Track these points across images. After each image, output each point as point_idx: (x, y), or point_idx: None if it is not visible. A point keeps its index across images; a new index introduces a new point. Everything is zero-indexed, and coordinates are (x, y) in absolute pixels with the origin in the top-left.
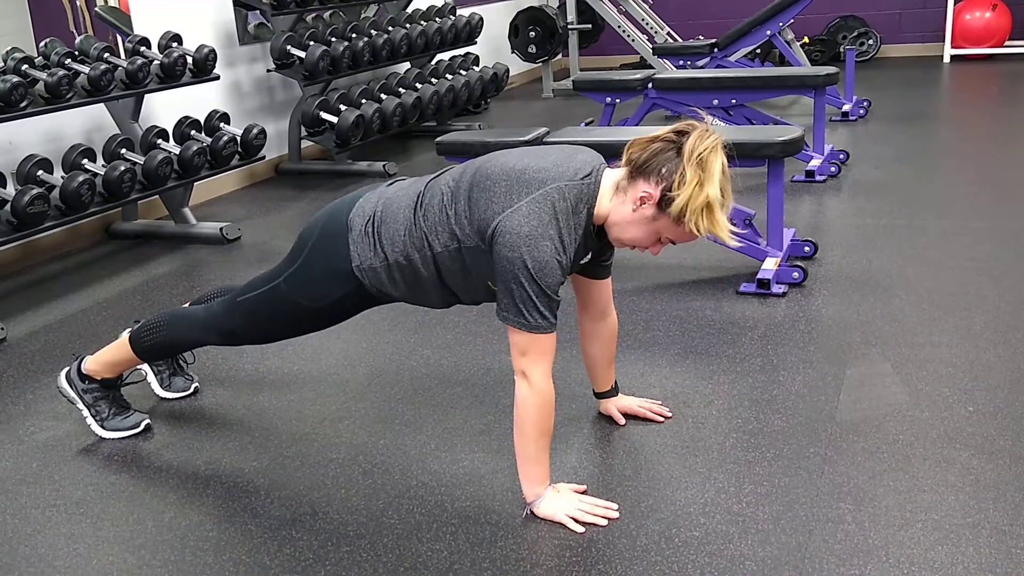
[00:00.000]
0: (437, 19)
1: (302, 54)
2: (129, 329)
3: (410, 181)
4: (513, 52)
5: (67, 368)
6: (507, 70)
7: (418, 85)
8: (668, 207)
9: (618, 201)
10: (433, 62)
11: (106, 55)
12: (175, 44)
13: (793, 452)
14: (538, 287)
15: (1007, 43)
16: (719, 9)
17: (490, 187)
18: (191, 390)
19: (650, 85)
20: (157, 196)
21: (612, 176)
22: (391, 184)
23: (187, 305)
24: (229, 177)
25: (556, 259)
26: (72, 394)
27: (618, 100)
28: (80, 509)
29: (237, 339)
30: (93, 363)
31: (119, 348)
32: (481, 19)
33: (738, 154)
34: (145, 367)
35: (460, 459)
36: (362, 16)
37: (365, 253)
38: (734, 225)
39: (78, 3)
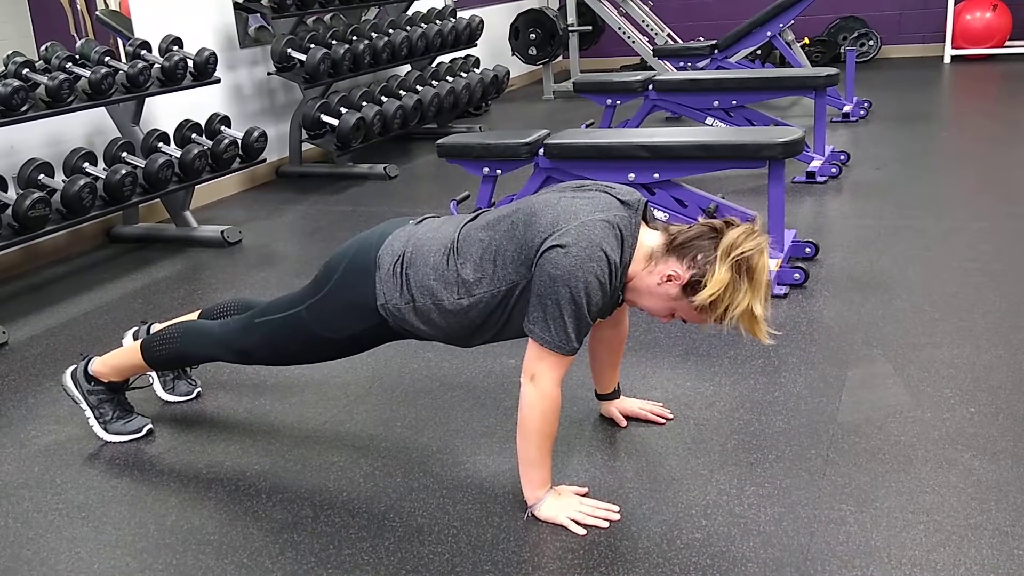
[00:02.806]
0: (437, 21)
1: (303, 57)
2: (133, 330)
3: (440, 221)
4: (514, 54)
5: (73, 367)
6: (508, 72)
7: (419, 87)
8: (695, 296)
9: (647, 270)
10: (434, 64)
11: (107, 59)
12: (176, 47)
13: (795, 454)
14: (573, 308)
15: (1007, 43)
16: (719, 10)
17: (535, 221)
18: (194, 394)
19: (650, 87)
20: (158, 199)
21: (650, 238)
22: (420, 222)
23: (198, 316)
24: (230, 180)
25: (599, 281)
26: (76, 394)
27: (618, 102)
28: (82, 513)
29: (251, 359)
30: (101, 365)
31: (130, 354)
32: (481, 21)
33: (739, 155)
34: (152, 373)
35: (462, 462)
36: (363, 19)
37: (391, 293)
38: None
39: (79, 7)
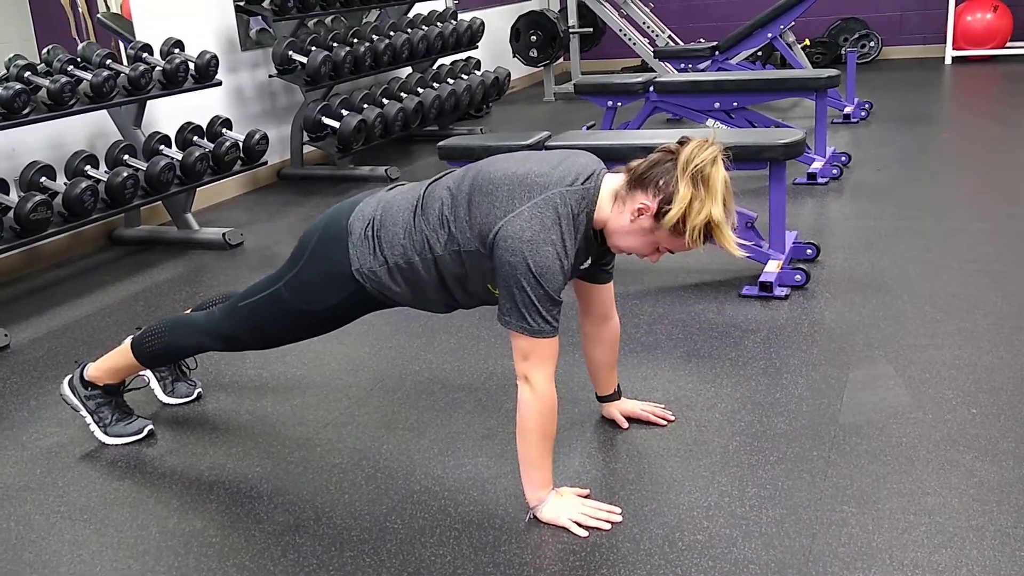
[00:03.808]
0: (438, 23)
1: (304, 59)
2: (131, 336)
3: (410, 186)
4: (515, 56)
5: (69, 375)
6: (508, 74)
7: (420, 90)
8: (663, 219)
9: (617, 210)
10: (435, 66)
11: (108, 62)
12: (177, 50)
13: (796, 455)
14: (541, 291)
15: (1008, 44)
16: (720, 12)
17: (492, 191)
18: (194, 396)
19: (651, 88)
20: (160, 202)
21: (612, 182)
22: (391, 189)
23: (189, 311)
24: (231, 183)
25: (558, 263)
26: (75, 401)
27: (619, 103)
28: (84, 515)
29: (238, 344)
30: (95, 369)
31: (121, 354)
32: (482, 23)
33: (740, 157)
34: (148, 373)
35: (463, 464)
36: (364, 21)
37: (364, 256)
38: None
39: (80, 10)
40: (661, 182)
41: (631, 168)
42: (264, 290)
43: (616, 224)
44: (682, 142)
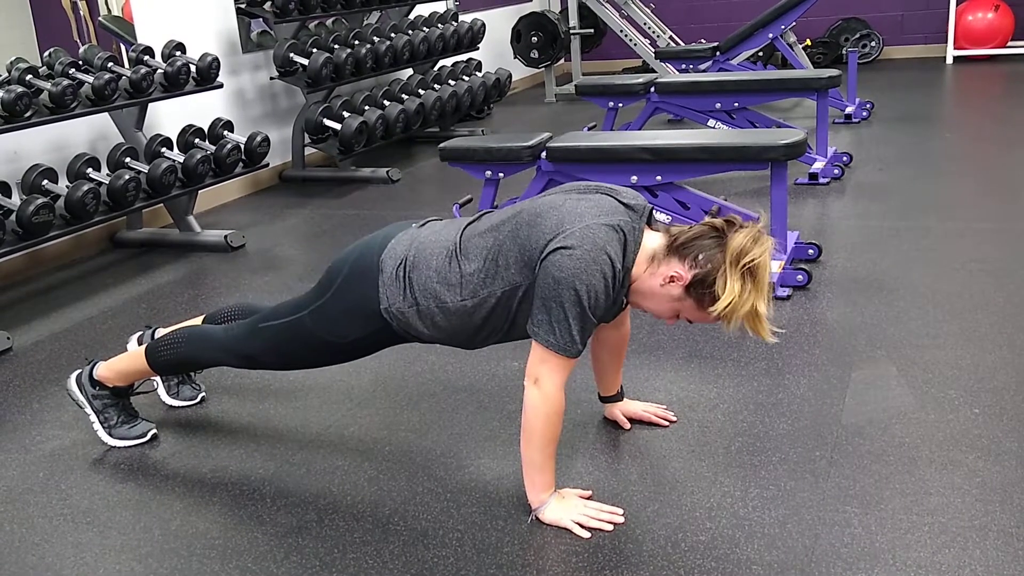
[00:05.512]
0: (439, 25)
1: (305, 61)
2: (137, 335)
3: (442, 224)
4: (516, 57)
5: (78, 371)
6: (509, 75)
7: (421, 91)
8: (698, 295)
9: (650, 271)
10: (436, 68)
11: (110, 64)
12: (178, 53)
13: (799, 456)
14: (578, 309)
15: (1010, 44)
16: (721, 13)
17: (539, 223)
18: (198, 399)
19: (652, 89)
20: (161, 204)
21: (651, 241)
22: (423, 226)
23: (202, 321)
24: (233, 185)
25: (603, 283)
26: (81, 398)
27: (620, 104)
28: (87, 518)
29: (255, 364)
30: (106, 370)
31: (134, 359)
32: (483, 25)
33: (741, 157)
34: (156, 377)
35: (465, 465)
36: (364, 23)
37: (394, 296)
38: None
39: (82, 13)
40: (700, 256)
41: (672, 234)
42: (287, 315)
43: (645, 284)
44: (730, 222)
